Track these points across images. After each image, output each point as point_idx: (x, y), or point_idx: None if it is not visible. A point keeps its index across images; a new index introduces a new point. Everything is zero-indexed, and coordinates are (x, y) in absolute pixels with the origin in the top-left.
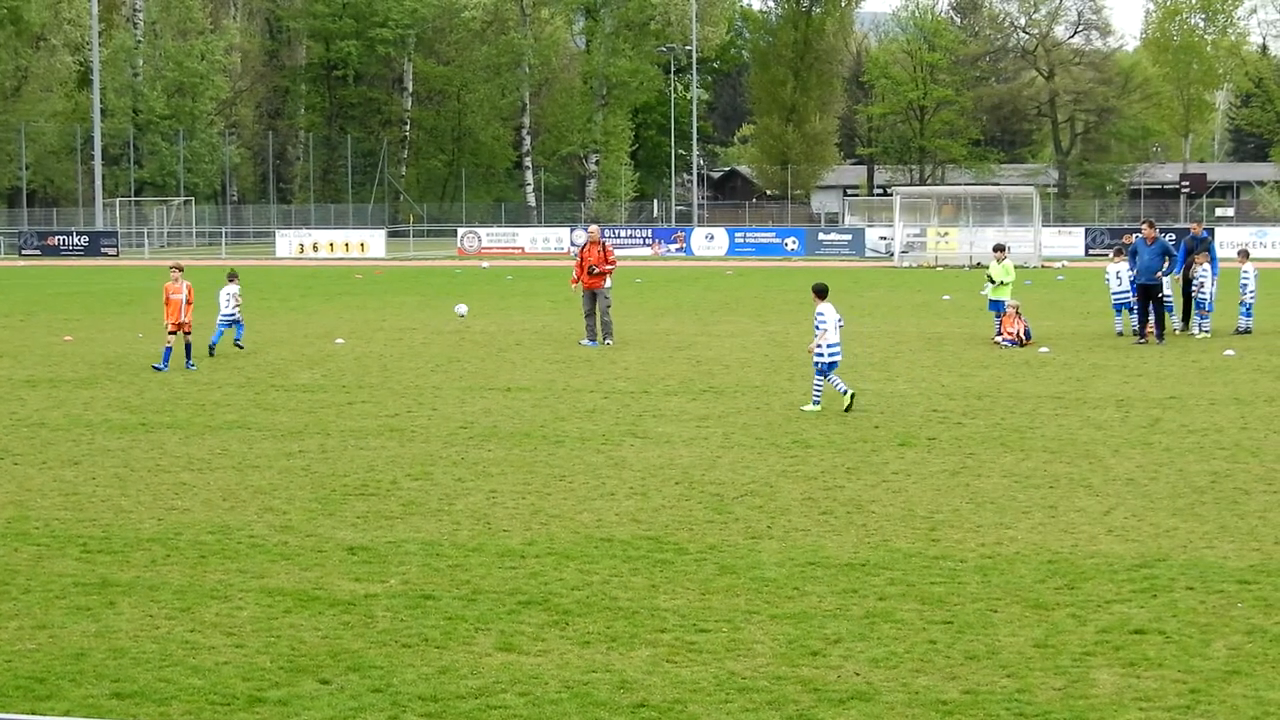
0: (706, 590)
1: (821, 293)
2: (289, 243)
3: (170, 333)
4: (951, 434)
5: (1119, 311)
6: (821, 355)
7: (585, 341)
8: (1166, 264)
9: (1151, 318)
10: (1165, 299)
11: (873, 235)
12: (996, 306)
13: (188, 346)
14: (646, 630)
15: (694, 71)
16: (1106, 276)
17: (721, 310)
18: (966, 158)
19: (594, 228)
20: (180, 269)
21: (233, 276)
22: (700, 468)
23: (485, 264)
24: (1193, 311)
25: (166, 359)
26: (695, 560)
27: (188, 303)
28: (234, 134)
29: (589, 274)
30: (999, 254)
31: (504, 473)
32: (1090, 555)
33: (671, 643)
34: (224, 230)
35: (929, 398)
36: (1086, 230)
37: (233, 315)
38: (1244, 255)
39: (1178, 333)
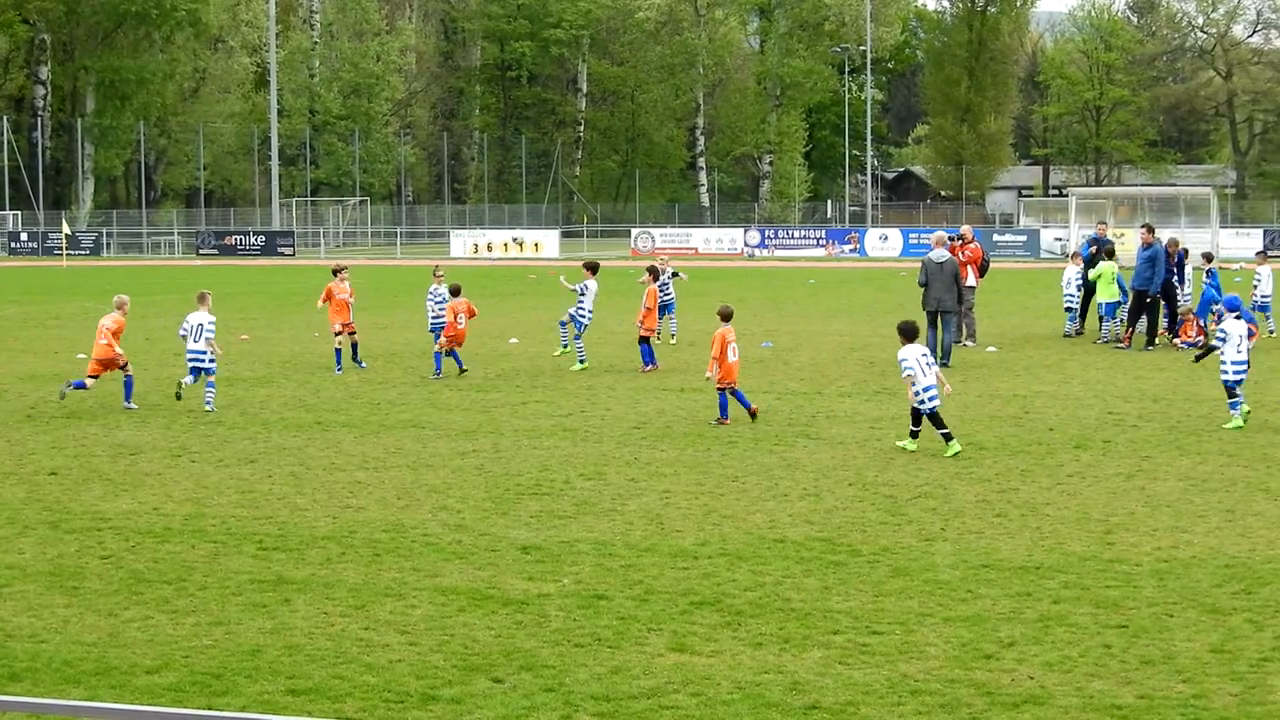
0: (879, 592)
1: (908, 334)
2: (463, 242)
3: (337, 334)
4: (1127, 437)
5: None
6: (923, 402)
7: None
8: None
9: (1143, 323)
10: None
11: (1047, 236)
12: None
13: (354, 346)
14: (819, 632)
15: (868, 72)
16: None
17: (895, 312)
18: (1143, 158)
19: (966, 228)
20: (344, 269)
21: (452, 288)
22: (874, 469)
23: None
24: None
25: (340, 360)
26: (868, 562)
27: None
28: (409, 134)
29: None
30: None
31: (677, 473)
32: (1268, 560)
33: (844, 644)
34: (399, 230)
35: (1104, 400)
36: (1265, 231)
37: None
38: (1262, 256)
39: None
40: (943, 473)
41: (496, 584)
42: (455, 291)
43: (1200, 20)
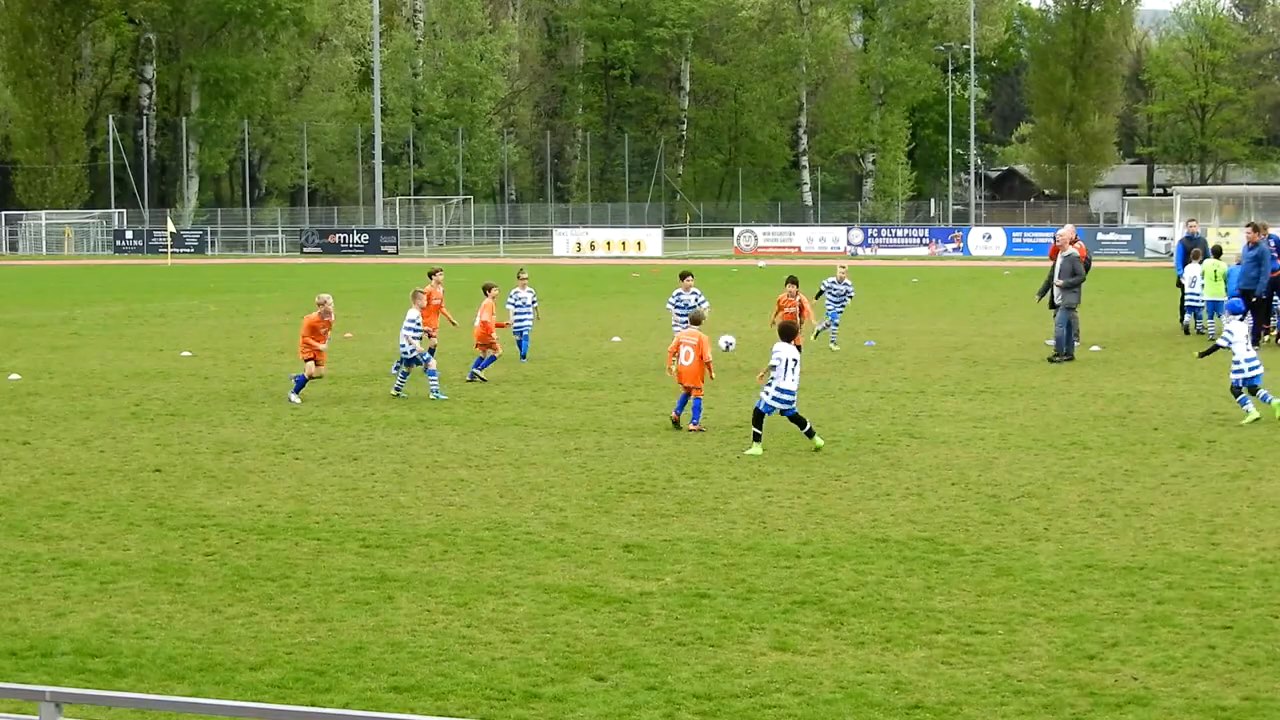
0: (982, 592)
1: (786, 334)
2: (566, 241)
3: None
4: (1232, 437)
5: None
6: (776, 401)
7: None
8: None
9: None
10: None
11: (1152, 235)
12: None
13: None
14: (922, 631)
15: (972, 70)
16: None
17: (998, 311)
18: (1249, 157)
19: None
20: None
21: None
22: (976, 469)
23: (762, 263)
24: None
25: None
26: (971, 561)
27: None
28: (512, 133)
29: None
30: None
31: (779, 472)
32: None
33: (947, 644)
34: (502, 229)
35: (1209, 400)
36: None
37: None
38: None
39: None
40: (1046, 473)
41: (599, 582)
42: (486, 290)
43: None
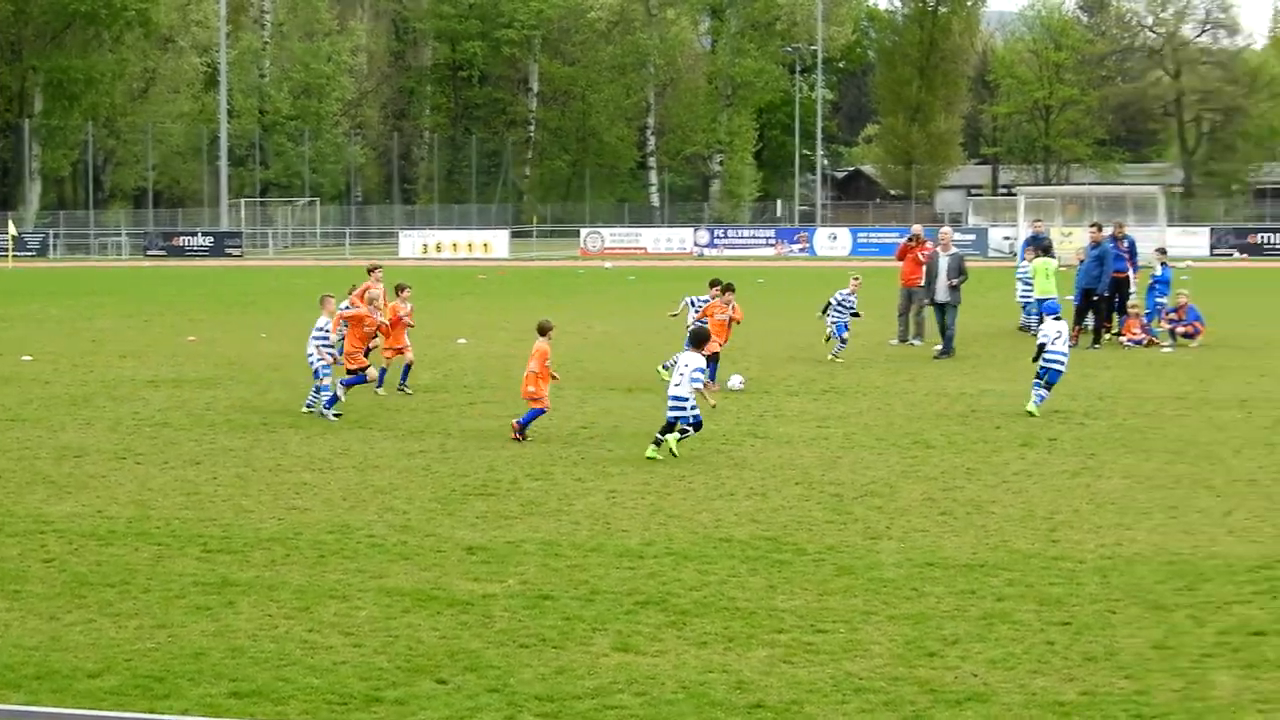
0: (825, 590)
1: (696, 341)
2: (413, 243)
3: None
4: (1073, 435)
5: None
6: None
7: (893, 341)
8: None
9: (1091, 320)
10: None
11: (996, 235)
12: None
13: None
14: (764, 631)
15: (819, 71)
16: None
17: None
18: (1091, 157)
19: (918, 228)
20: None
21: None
22: (820, 468)
23: (608, 264)
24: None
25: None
26: (814, 560)
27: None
28: (359, 135)
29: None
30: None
31: (624, 473)
32: (1211, 556)
33: (789, 643)
34: (348, 230)
35: (1050, 398)
36: (1211, 230)
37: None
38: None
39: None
40: (889, 471)
41: (442, 585)
42: (399, 290)
43: (1149, 20)
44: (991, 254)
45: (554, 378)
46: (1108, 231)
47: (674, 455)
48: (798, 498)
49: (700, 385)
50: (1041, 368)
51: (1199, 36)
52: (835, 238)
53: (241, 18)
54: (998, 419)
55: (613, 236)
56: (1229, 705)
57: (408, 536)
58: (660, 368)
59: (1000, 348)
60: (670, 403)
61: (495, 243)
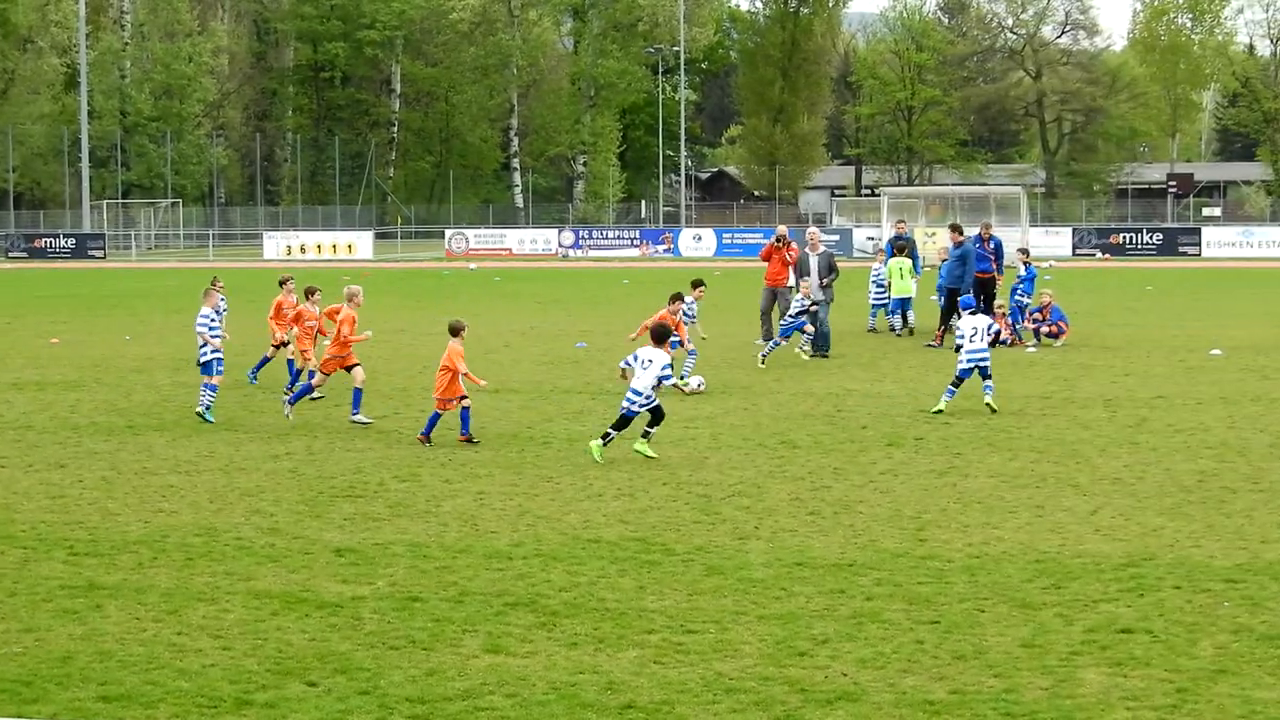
0: (694, 591)
1: (658, 337)
2: (276, 245)
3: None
4: (939, 434)
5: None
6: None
7: (758, 341)
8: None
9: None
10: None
11: (860, 235)
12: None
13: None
14: (634, 631)
15: (682, 72)
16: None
17: (709, 311)
18: (954, 158)
19: (783, 228)
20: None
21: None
22: (688, 468)
23: (473, 265)
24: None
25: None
26: (683, 561)
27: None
28: (221, 136)
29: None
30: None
31: (491, 474)
32: (1077, 555)
33: (659, 644)
34: (211, 232)
35: (916, 398)
36: (1074, 230)
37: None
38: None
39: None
40: (756, 471)
41: (310, 587)
42: (309, 294)
43: (1010, 21)
44: (856, 254)
45: (479, 382)
46: (971, 233)
47: (650, 456)
48: (666, 498)
49: (671, 383)
50: (962, 369)
51: (1059, 38)
52: (700, 238)
53: (101, 18)
54: (863, 419)
55: (477, 238)
56: (1097, 703)
57: (275, 539)
58: (621, 365)
59: (865, 348)
60: (629, 396)
61: (359, 244)
